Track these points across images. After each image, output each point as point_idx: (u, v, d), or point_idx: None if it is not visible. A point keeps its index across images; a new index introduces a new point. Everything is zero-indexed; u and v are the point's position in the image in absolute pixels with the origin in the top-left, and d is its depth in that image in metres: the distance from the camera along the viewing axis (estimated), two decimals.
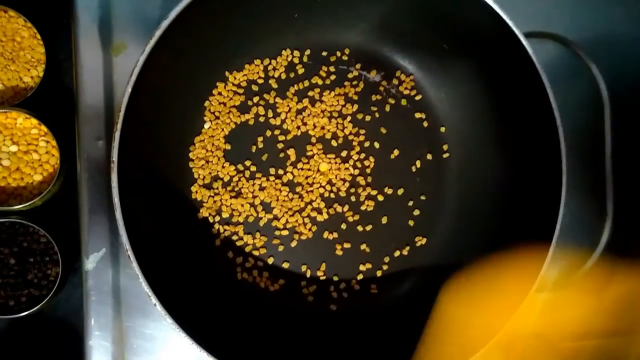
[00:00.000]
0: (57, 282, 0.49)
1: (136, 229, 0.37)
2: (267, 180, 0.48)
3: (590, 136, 0.50)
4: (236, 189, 0.48)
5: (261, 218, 0.48)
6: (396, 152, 0.49)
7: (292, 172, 0.48)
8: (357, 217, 0.49)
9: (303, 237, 0.48)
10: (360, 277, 0.48)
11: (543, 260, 0.37)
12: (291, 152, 0.48)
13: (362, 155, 0.49)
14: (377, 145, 0.49)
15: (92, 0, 0.48)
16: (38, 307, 0.49)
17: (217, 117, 0.48)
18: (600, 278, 0.34)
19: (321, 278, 0.48)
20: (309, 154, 0.49)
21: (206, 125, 0.48)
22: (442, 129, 0.50)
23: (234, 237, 0.48)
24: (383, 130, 0.49)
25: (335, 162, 0.49)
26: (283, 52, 0.49)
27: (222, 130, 0.48)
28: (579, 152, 0.46)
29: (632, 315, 0.35)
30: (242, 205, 0.48)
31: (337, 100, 0.49)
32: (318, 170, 0.48)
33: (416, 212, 0.49)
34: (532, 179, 0.43)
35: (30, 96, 0.51)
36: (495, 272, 0.32)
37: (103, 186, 0.47)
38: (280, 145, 0.48)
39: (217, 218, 0.47)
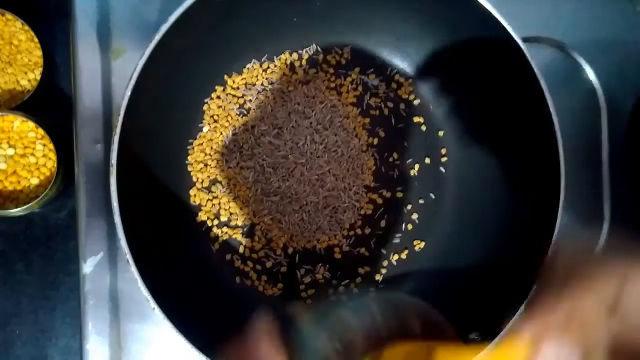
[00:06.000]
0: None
1: (135, 233, 0.37)
2: (267, 183, 0.48)
3: (588, 141, 0.50)
4: (235, 192, 0.48)
5: (260, 222, 0.48)
6: (395, 156, 0.49)
7: (292, 176, 0.48)
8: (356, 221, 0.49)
9: (302, 242, 0.48)
10: (359, 280, 0.48)
11: None
12: (291, 155, 0.48)
13: (361, 159, 0.49)
14: (375, 149, 0.49)
15: (90, 4, 0.48)
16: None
17: (216, 121, 0.48)
18: None
19: (320, 282, 0.48)
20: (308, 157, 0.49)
21: (205, 129, 0.48)
22: (441, 133, 0.50)
23: (233, 241, 0.48)
24: (382, 134, 0.49)
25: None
26: (282, 55, 0.49)
27: (221, 134, 0.48)
28: (577, 156, 0.47)
29: None
30: (241, 209, 0.47)
31: (336, 104, 0.49)
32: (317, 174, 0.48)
33: (415, 216, 0.49)
34: (531, 183, 0.43)
35: (28, 99, 0.51)
36: None
37: (101, 190, 0.47)
38: (280, 149, 0.48)
39: (216, 222, 0.47)
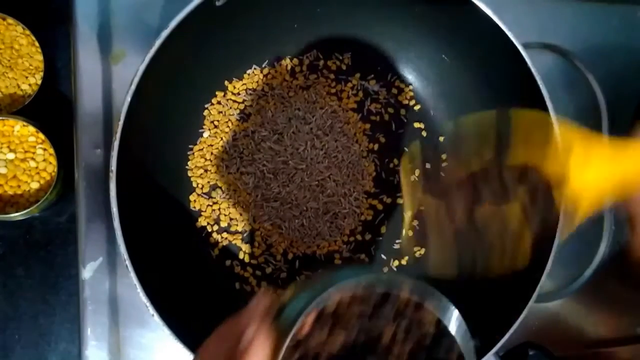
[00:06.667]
0: None
1: (134, 238, 0.37)
2: (267, 189, 0.48)
3: None
4: (235, 197, 0.48)
5: (260, 227, 0.48)
6: (395, 162, 0.49)
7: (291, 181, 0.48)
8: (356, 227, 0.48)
9: (302, 247, 0.48)
10: None
11: None
12: (291, 161, 0.48)
13: (361, 165, 0.49)
14: (375, 154, 0.49)
15: (91, 8, 0.48)
16: None
17: (216, 126, 0.48)
18: None
19: None
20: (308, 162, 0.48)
21: (205, 134, 0.48)
22: (441, 139, 0.50)
23: (232, 246, 0.47)
24: (382, 140, 0.49)
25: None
26: (282, 61, 0.49)
27: (221, 139, 0.48)
28: None
29: None
30: (241, 214, 0.47)
31: (336, 109, 0.49)
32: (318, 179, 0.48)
33: (415, 222, 0.49)
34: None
35: (28, 104, 0.51)
36: None
37: (101, 195, 0.47)
38: (280, 154, 0.48)
39: (216, 227, 0.47)
